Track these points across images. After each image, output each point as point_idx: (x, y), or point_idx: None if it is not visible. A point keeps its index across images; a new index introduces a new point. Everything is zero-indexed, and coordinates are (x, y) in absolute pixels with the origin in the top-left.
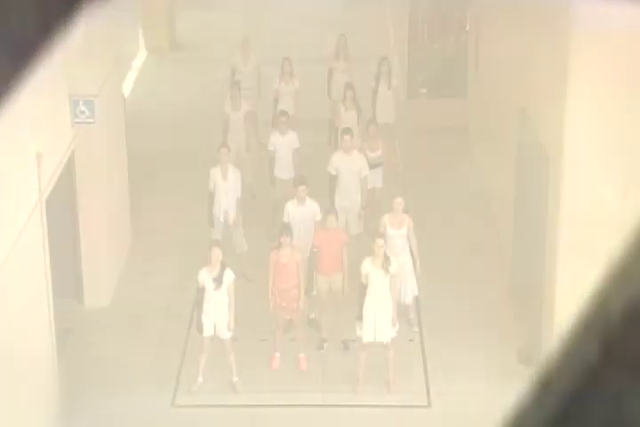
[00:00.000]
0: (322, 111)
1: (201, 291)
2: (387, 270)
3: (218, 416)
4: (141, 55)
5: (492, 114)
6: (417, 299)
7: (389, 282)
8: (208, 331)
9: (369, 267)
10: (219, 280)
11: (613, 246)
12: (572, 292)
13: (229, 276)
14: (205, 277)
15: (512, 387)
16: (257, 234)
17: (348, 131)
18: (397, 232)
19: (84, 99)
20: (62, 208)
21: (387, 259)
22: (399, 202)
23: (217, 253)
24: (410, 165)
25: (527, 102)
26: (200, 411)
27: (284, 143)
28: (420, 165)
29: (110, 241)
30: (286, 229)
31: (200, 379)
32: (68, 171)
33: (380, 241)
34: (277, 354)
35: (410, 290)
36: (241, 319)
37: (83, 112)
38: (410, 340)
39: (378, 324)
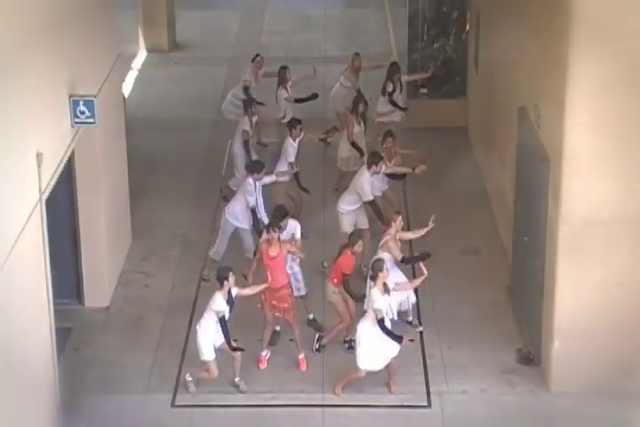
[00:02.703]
0: (320, 111)
1: (222, 319)
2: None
3: (217, 416)
4: (141, 55)
5: (492, 114)
6: (415, 304)
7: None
8: (210, 354)
9: (378, 295)
10: (231, 302)
11: (613, 246)
12: (571, 292)
13: (235, 292)
14: (224, 304)
15: (512, 387)
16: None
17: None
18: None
19: (83, 99)
20: (62, 208)
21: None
22: (399, 220)
23: (232, 280)
24: (409, 165)
25: (527, 102)
26: (200, 411)
27: (298, 150)
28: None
29: (110, 241)
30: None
31: (192, 386)
32: (68, 171)
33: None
34: (264, 353)
35: (408, 299)
36: (241, 320)
37: (83, 112)
38: (410, 340)
39: (383, 352)
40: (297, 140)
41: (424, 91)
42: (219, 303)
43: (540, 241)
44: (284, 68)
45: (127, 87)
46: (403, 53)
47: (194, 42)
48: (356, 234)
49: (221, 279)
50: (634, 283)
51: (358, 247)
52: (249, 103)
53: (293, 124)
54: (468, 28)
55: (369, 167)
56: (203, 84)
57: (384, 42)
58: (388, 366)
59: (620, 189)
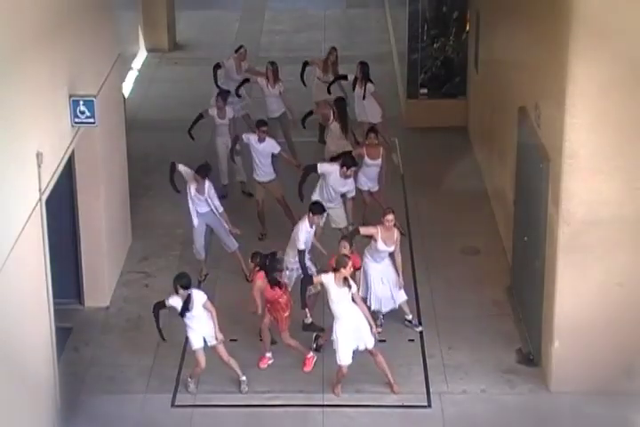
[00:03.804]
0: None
1: (174, 311)
2: (349, 289)
3: (217, 416)
4: (141, 55)
5: (492, 114)
6: (413, 301)
7: (352, 297)
8: (199, 343)
9: (330, 281)
10: (185, 306)
11: (613, 246)
12: (571, 292)
13: (200, 298)
14: (177, 301)
15: (512, 387)
16: (247, 232)
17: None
18: (388, 249)
19: (84, 99)
20: (62, 208)
21: (347, 279)
22: (390, 219)
23: (182, 292)
24: (410, 165)
25: (527, 102)
26: (200, 411)
27: (261, 150)
28: (419, 165)
29: (110, 241)
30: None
31: (192, 386)
32: (68, 171)
33: (348, 260)
34: (268, 354)
35: (395, 297)
36: (240, 319)
37: (83, 112)
38: (410, 340)
39: (354, 343)
40: (261, 143)
41: (424, 91)
42: (169, 300)
43: (540, 241)
44: (272, 63)
45: (127, 87)
46: (403, 53)
47: (194, 42)
48: (343, 259)
49: (174, 287)
50: (634, 283)
51: (346, 270)
52: (224, 94)
53: (258, 124)
54: (468, 28)
55: (341, 167)
56: (203, 84)
57: (384, 42)
58: (376, 365)
59: (620, 189)
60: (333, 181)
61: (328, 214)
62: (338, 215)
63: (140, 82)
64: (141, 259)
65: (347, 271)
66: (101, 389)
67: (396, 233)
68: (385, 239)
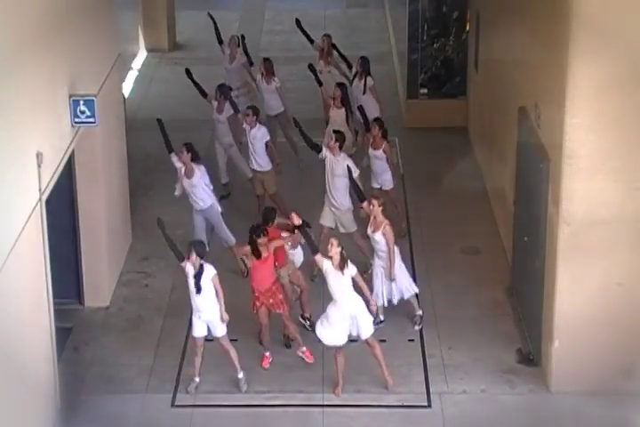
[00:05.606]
0: (319, 110)
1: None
2: (343, 272)
3: (217, 416)
4: (141, 55)
5: (492, 114)
6: (415, 298)
7: (353, 281)
8: (200, 332)
9: (327, 266)
10: (198, 277)
11: (613, 246)
12: (571, 292)
13: (210, 271)
14: (190, 269)
15: (512, 387)
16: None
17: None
18: (372, 236)
19: (84, 98)
20: (62, 208)
21: (344, 261)
22: (367, 205)
23: (193, 257)
24: (410, 165)
25: (527, 102)
26: (200, 411)
27: (253, 135)
28: (419, 165)
29: (110, 241)
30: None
31: (197, 379)
32: (68, 171)
33: (333, 240)
34: (267, 353)
35: (398, 290)
36: (240, 319)
37: (83, 112)
38: (410, 340)
39: (347, 329)
40: (252, 129)
41: (424, 91)
42: (186, 266)
43: (540, 241)
44: (265, 59)
45: (127, 87)
46: (403, 53)
47: (194, 42)
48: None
49: (189, 251)
50: (634, 283)
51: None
52: (223, 88)
53: (248, 108)
54: (468, 28)
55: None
56: (203, 84)
57: (384, 42)
58: (373, 357)
59: (620, 189)
60: (330, 165)
61: (337, 219)
62: (345, 219)
63: (140, 82)
64: (141, 259)
65: (332, 253)
66: (101, 389)
67: (383, 225)
68: (370, 226)
